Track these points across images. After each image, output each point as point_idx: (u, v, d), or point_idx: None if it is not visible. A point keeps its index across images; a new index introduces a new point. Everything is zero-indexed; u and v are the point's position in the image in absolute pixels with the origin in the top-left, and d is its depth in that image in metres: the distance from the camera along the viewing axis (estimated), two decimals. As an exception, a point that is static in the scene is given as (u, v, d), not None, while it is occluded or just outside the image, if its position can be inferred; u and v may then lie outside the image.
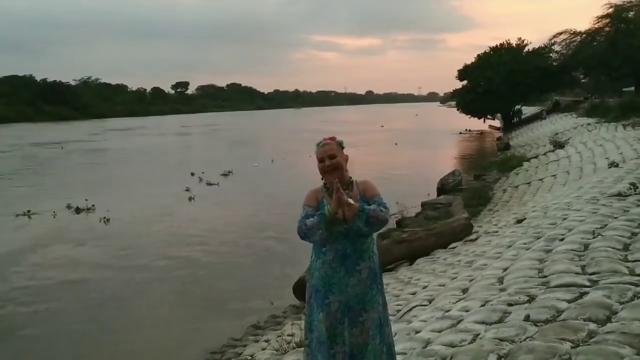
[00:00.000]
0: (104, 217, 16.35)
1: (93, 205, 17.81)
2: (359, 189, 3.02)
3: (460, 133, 49.68)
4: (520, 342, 3.44)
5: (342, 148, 3.05)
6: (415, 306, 5.92)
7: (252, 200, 19.58)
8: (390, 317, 3.53)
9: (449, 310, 5.00)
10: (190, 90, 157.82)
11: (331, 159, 2.97)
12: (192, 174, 24.91)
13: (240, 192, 21.53)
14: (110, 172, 28.46)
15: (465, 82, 45.62)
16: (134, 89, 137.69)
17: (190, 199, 19.68)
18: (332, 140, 3.05)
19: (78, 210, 17.52)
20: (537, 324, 3.69)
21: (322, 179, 3.05)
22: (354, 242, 2.93)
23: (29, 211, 17.09)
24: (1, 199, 20.34)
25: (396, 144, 41.47)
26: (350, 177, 3.06)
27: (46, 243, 14.01)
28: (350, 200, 2.80)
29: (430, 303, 5.89)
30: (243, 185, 23.27)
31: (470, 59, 46.62)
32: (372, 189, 3.03)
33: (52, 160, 34.25)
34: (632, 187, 8.55)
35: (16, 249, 13.35)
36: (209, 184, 23.14)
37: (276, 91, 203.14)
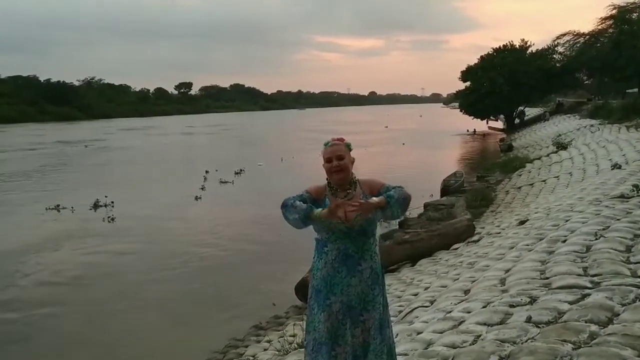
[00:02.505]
0: (118, 215, 16.89)
1: (112, 202, 18.43)
2: (362, 188, 3.00)
3: (473, 132, 49.70)
4: (522, 343, 3.44)
5: (350, 150, 3.03)
6: (417, 307, 5.92)
7: (261, 198, 19.87)
8: (392, 318, 3.54)
9: (450, 312, 5.00)
10: (194, 90, 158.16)
11: (339, 160, 2.94)
12: (207, 172, 25.56)
13: (251, 191, 22.02)
14: (130, 169, 29.62)
15: (468, 83, 45.58)
16: (137, 89, 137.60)
17: (197, 198, 20.09)
18: (341, 141, 3.02)
19: (96, 206, 18.23)
20: (539, 326, 3.69)
21: (327, 178, 3.04)
22: (356, 242, 2.92)
23: (58, 205, 18.15)
24: (35, 193, 21.61)
25: (404, 144, 41.93)
26: (354, 178, 3.05)
27: (59, 239, 14.38)
28: (374, 199, 2.80)
29: (432, 304, 5.89)
30: (254, 184, 23.81)
31: (473, 60, 46.76)
32: (378, 183, 3.03)
33: (79, 158, 36.08)
34: (634, 188, 8.53)
35: (35, 243, 13.87)
36: (223, 182, 23.69)
37: (279, 92, 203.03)
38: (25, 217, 17.26)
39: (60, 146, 44.17)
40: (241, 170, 26.87)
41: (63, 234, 14.86)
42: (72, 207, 17.97)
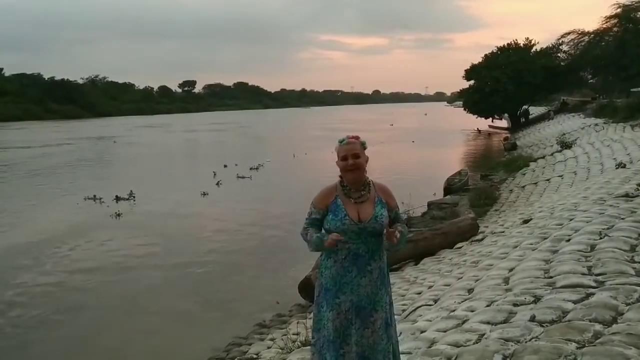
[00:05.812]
0: (137, 210, 17.77)
1: (134, 197, 19.47)
2: (377, 191, 3.00)
3: (478, 131, 49.70)
4: (526, 342, 3.44)
5: (365, 149, 3.01)
6: (420, 306, 5.92)
7: (275, 195, 20.35)
8: (396, 317, 3.53)
9: (454, 310, 5.00)
10: (197, 89, 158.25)
11: (355, 159, 2.93)
12: (225, 166, 26.62)
13: (267, 186, 22.54)
14: (156, 163, 31.24)
15: (472, 82, 45.48)
16: (141, 87, 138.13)
17: (203, 194, 20.43)
18: (357, 139, 3.00)
19: (118, 199, 19.33)
20: (543, 325, 3.69)
21: (339, 176, 3.03)
22: (367, 242, 2.92)
23: (94, 196, 19.52)
24: (74, 183, 23.65)
25: (413, 141, 42.60)
26: (367, 178, 3.04)
27: (80, 231, 15.02)
28: (399, 228, 2.93)
29: (435, 303, 5.89)
30: (270, 180, 24.27)
31: (477, 58, 46.55)
32: (393, 198, 3.08)
33: (112, 152, 39.07)
34: (639, 187, 8.50)
35: (60, 234, 14.64)
36: (240, 177, 24.31)
37: (283, 90, 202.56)
38: (64, 206, 18.73)
39: (91, 141, 46.98)
40: (259, 165, 27.51)
41: (82, 226, 15.49)
42: (101, 199, 19.08)
